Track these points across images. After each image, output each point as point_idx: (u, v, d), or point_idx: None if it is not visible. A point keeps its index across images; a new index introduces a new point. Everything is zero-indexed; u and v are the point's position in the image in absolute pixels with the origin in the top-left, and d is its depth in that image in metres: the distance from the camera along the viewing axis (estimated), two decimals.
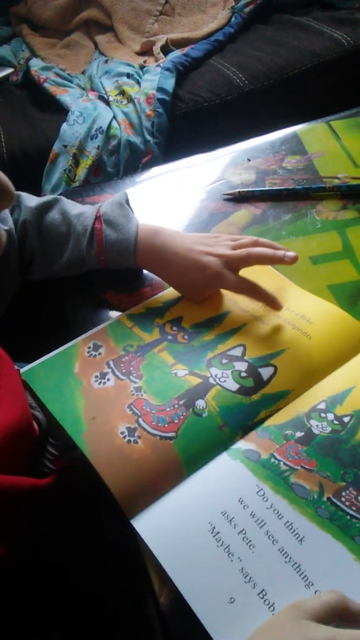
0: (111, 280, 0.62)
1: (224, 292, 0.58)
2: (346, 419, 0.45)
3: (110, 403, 0.48)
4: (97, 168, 1.10)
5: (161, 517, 0.40)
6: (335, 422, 0.45)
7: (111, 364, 0.52)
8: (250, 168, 0.75)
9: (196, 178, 0.75)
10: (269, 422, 0.46)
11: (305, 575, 0.36)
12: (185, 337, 0.54)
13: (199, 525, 0.39)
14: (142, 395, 0.48)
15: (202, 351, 0.52)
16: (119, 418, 0.46)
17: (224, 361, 0.51)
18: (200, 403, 0.47)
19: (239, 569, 0.36)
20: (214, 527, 0.39)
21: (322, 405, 0.46)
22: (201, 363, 0.51)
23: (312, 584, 0.36)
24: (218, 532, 0.38)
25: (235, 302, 0.57)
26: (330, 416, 0.46)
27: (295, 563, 0.37)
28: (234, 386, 0.48)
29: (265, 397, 0.47)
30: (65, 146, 1.09)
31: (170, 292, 0.60)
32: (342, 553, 0.38)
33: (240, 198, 0.70)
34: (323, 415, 0.46)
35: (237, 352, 0.51)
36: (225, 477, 0.42)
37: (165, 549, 0.38)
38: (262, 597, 0.35)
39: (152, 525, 0.39)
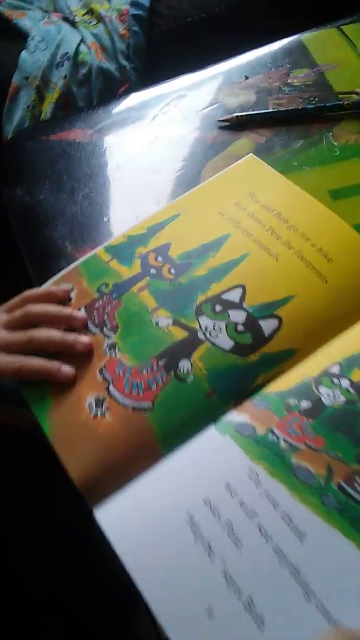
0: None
1: (223, 206, 0.50)
2: None
3: (81, 367, 0.43)
4: (65, 102, 0.97)
5: (129, 505, 0.36)
6: (351, 389, 0.39)
7: (83, 312, 0.46)
8: (249, 87, 0.64)
9: (183, 104, 0.64)
10: (269, 389, 0.40)
11: (305, 582, 0.33)
12: (172, 270, 0.47)
13: (175, 516, 0.35)
14: (115, 354, 0.43)
15: (191, 292, 0.45)
16: (88, 386, 0.41)
17: (218, 308, 0.44)
18: (184, 365, 0.41)
19: (220, 571, 0.33)
20: (193, 518, 0.35)
21: (335, 369, 0.40)
22: (189, 309, 0.44)
23: (314, 594, 0.32)
24: (197, 525, 0.35)
25: (237, 222, 0.49)
26: (345, 382, 0.39)
27: (293, 566, 0.33)
28: (228, 343, 0.42)
29: (266, 358, 0.41)
30: (26, 78, 0.95)
31: (160, 213, 0.52)
32: (353, 554, 0.33)
33: (239, 124, 0.60)
34: (336, 381, 0.39)
35: (235, 295, 0.44)
36: (211, 456, 0.38)
37: (130, 545, 0.35)
38: (249, 609, 0.32)
39: (116, 515, 0.36)
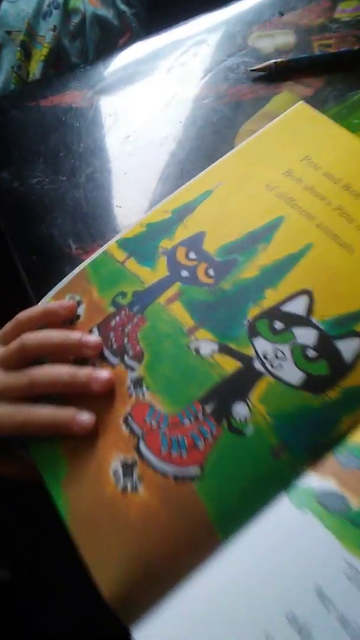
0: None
1: (271, 176, 0.38)
2: None
3: (99, 415, 0.32)
4: (56, 59, 0.81)
5: (178, 621, 0.26)
6: None
7: (96, 333, 0.35)
8: (286, 26, 0.50)
9: (204, 52, 0.50)
10: (357, 439, 0.30)
11: None
12: (211, 271, 0.35)
13: (246, 638, 0.26)
14: (143, 395, 0.32)
15: (239, 302, 0.34)
16: (110, 444, 0.31)
17: (278, 325, 0.32)
18: (240, 410, 0.30)
19: None
20: None
21: None
22: (239, 328, 0.33)
23: None
24: None
25: (291, 199, 0.37)
26: None
27: None
28: (297, 376, 0.31)
29: (349, 393, 0.30)
30: (8, 33, 0.80)
31: (187, 189, 0.39)
32: None
33: (277, 74, 0.47)
34: None
35: (299, 306, 0.33)
36: (288, 543, 0.27)
37: None
38: None
39: (162, 637, 0.26)
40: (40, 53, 0.81)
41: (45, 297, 0.37)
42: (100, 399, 0.32)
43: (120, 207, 0.43)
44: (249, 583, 0.26)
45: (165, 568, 0.27)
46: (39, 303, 0.37)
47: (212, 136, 0.44)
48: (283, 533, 0.28)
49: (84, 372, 0.32)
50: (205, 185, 0.39)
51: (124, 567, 0.27)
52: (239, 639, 0.25)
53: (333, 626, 0.25)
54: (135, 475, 0.29)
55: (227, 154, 0.40)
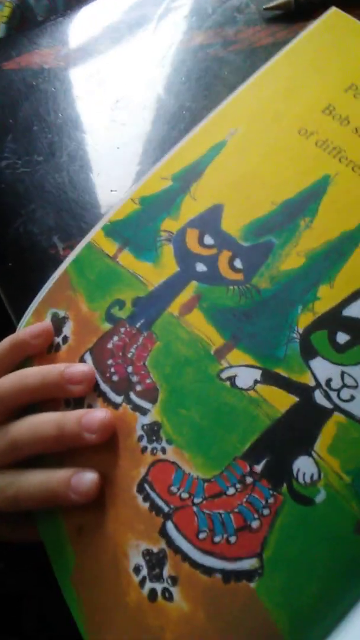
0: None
1: (305, 116, 0.27)
2: None
3: (106, 477, 0.23)
4: (21, 20, 0.69)
5: None
6: None
7: (89, 361, 0.25)
8: None
9: None
10: None
11: None
12: (238, 263, 0.26)
13: None
14: (163, 449, 0.23)
15: (283, 307, 0.24)
16: (125, 525, 0.22)
17: (342, 338, 0.23)
18: (305, 467, 0.22)
19: None
20: None
21: None
22: (287, 345, 0.24)
23: None
24: None
25: (341, 152, 0.27)
26: None
27: None
28: None
29: None
30: None
31: (191, 142, 0.29)
32: None
33: (298, 11, 0.37)
34: None
35: None
36: None
37: None
38: None
39: None
40: (1, 14, 0.69)
41: (24, 317, 0.27)
42: (102, 456, 0.23)
43: (115, 191, 0.32)
44: None
45: None
46: (18, 326, 0.27)
47: (223, 93, 0.33)
48: None
49: (72, 419, 0.23)
50: (214, 135, 0.29)
51: None
52: None
53: None
54: (165, 574, 0.21)
55: (240, 86, 0.29)
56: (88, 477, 0.23)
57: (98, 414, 0.24)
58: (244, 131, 0.28)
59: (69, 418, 0.24)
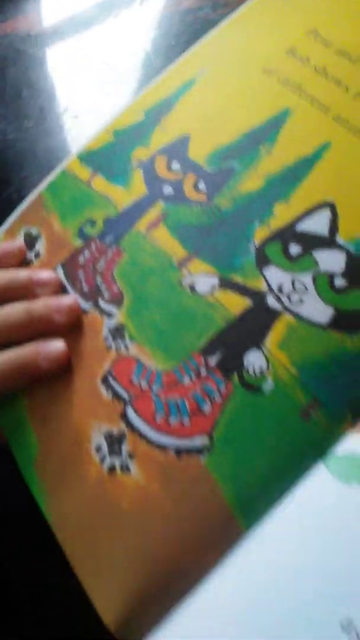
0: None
1: (270, 57, 0.30)
2: None
3: (69, 372, 0.25)
4: None
5: (186, 636, 0.21)
6: None
7: (62, 274, 0.27)
8: None
9: None
10: None
11: None
12: (202, 185, 0.28)
13: None
14: (126, 347, 0.25)
15: (241, 223, 0.26)
16: (89, 411, 0.24)
17: (295, 250, 0.25)
18: (255, 360, 0.24)
19: None
20: None
21: None
22: (244, 255, 0.26)
23: None
24: None
25: (298, 86, 0.29)
26: None
27: None
28: (323, 312, 0.24)
29: None
30: None
31: (163, 81, 0.31)
32: None
33: None
34: None
35: (319, 223, 0.26)
36: (332, 527, 0.22)
37: None
38: None
39: None
40: None
41: None
42: (75, 363, 0.25)
43: None
44: (282, 583, 0.21)
45: (173, 571, 0.21)
46: None
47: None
48: (323, 514, 0.22)
49: (40, 304, 0.25)
50: (185, 73, 0.31)
51: (122, 579, 0.21)
52: None
53: None
54: (124, 451, 0.23)
55: (211, 31, 0.32)
56: (56, 344, 0.25)
57: (66, 298, 0.26)
58: (213, 70, 0.31)
59: (37, 303, 0.26)
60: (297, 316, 0.24)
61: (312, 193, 0.26)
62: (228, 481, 0.22)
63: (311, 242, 0.25)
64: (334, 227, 0.25)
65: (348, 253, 0.25)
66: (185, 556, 0.21)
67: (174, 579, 0.21)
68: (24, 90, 0.38)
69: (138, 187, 0.28)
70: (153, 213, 0.27)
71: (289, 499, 0.22)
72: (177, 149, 0.29)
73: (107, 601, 0.21)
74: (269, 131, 0.28)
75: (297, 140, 0.28)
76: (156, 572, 0.21)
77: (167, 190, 0.28)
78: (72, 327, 0.25)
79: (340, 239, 0.25)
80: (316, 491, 0.22)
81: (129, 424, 0.23)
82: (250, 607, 0.20)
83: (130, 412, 0.24)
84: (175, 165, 0.28)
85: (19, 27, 0.42)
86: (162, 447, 0.23)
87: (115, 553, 0.22)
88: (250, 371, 0.23)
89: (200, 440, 0.23)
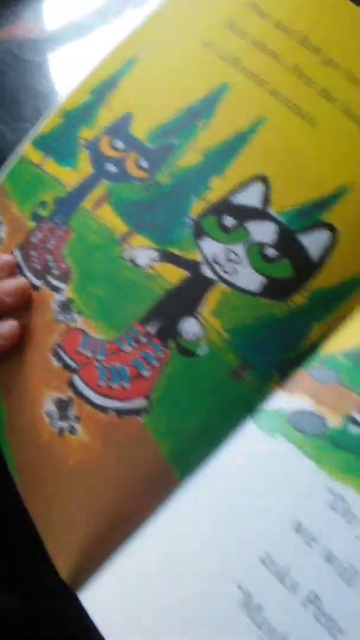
0: None
1: (207, 31, 0.31)
2: None
3: (26, 345, 0.27)
4: None
5: (136, 577, 0.23)
6: None
7: (18, 255, 0.29)
8: None
9: None
10: (332, 347, 0.25)
11: None
12: (143, 163, 0.29)
13: (215, 590, 0.23)
14: (74, 319, 0.27)
15: (179, 198, 0.28)
16: (41, 381, 0.26)
17: (229, 222, 0.27)
18: (190, 327, 0.26)
19: None
20: (247, 592, 0.22)
21: None
22: (181, 229, 0.27)
23: None
24: (257, 604, 0.22)
25: (235, 60, 0.30)
26: None
27: None
28: (255, 280, 0.26)
29: (319, 296, 0.26)
30: None
31: (107, 61, 0.32)
32: None
33: None
34: None
35: (252, 195, 0.27)
36: (259, 476, 0.24)
37: None
38: None
39: (112, 599, 0.23)
40: None
41: None
42: (31, 336, 0.27)
43: None
44: (214, 526, 0.23)
45: (116, 520, 0.24)
46: None
47: None
48: (251, 464, 0.24)
49: None
50: (128, 51, 0.32)
51: (71, 528, 0.24)
52: (204, 594, 0.22)
53: (317, 564, 0.22)
54: (71, 415, 0.25)
55: (153, 8, 0.32)
56: (9, 323, 0.27)
57: (15, 281, 0.28)
58: (154, 47, 0.31)
59: None
60: (231, 285, 0.26)
61: (246, 166, 0.28)
62: (164, 438, 0.24)
63: (244, 214, 0.27)
64: (266, 199, 0.27)
65: (279, 224, 0.26)
66: (126, 505, 0.24)
67: (116, 526, 0.24)
68: (22, 95, 0.39)
69: (84, 167, 0.30)
70: (98, 192, 0.29)
71: (221, 451, 0.24)
72: (120, 127, 0.30)
73: (58, 547, 0.24)
74: (206, 106, 0.29)
75: (234, 115, 0.29)
76: (100, 520, 0.24)
77: (111, 168, 0.29)
78: (22, 306, 0.27)
79: (271, 210, 0.27)
80: (245, 444, 0.24)
81: (76, 391, 0.25)
82: (185, 545, 0.23)
83: (77, 380, 0.26)
84: (119, 144, 0.30)
85: (17, 32, 0.42)
86: (104, 410, 0.25)
87: (65, 504, 0.24)
88: (186, 337, 0.25)
89: (139, 402, 0.25)
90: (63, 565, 0.23)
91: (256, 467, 0.24)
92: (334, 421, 0.24)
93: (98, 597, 0.22)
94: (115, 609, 0.22)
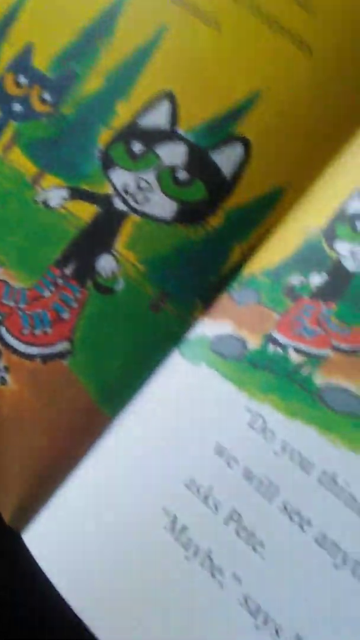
0: None
1: None
2: None
3: None
4: None
5: (72, 513, 0.24)
6: None
7: None
8: None
9: None
10: (252, 268, 0.25)
11: None
12: (46, 95, 0.28)
13: (143, 517, 0.23)
14: None
15: (85, 128, 0.27)
16: None
17: (138, 148, 0.26)
18: (105, 264, 0.25)
19: (235, 598, 0.22)
20: (173, 516, 0.23)
21: (357, 204, 0.23)
22: (90, 162, 0.26)
23: None
24: (183, 526, 0.22)
25: None
26: None
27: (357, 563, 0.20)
28: (168, 207, 0.25)
29: (236, 216, 0.24)
30: None
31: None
32: None
33: None
34: None
35: (159, 116, 0.26)
36: (184, 404, 0.24)
37: (69, 574, 0.23)
38: None
39: (49, 531, 0.24)
40: None
41: None
42: None
43: None
44: (143, 458, 0.23)
45: (51, 463, 0.24)
46: None
47: None
48: (177, 395, 0.24)
49: None
50: None
51: (11, 474, 0.24)
52: (134, 522, 0.23)
53: (236, 483, 0.22)
54: (0, 366, 0.25)
55: None
56: None
57: None
58: None
59: None
60: (143, 215, 0.25)
61: (151, 84, 0.26)
62: (90, 378, 0.24)
63: (152, 138, 0.25)
64: (173, 118, 0.25)
65: (188, 144, 0.25)
66: (59, 448, 0.24)
67: (52, 469, 0.24)
68: None
69: None
70: (7, 135, 0.28)
71: (149, 385, 0.24)
72: (22, 61, 0.28)
73: (2, 494, 0.24)
74: (106, 24, 0.27)
75: (135, 28, 0.27)
76: (36, 464, 0.24)
77: (17, 107, 0.28)
78: None
79: (180, 130, 0.25)
80: (171, 375, 0.24)
81: (3, 342, 0.26)
82: (117, 479, 0.23)
83: (3, 331, 0.26)
84: (23, 80, 0.28)
85: None
86: (30, 357, 0.25)
87: (4, 452, 0.25)
88: (103, 274, 0.25)
89: (61, 346, 0.25)
90: (4, 509, 0.24)
91: (181, 397, 0.24)
92: (253, 343, 0.23)
93: (39, 537, 0.23)
94: (56, 548, 0.23)
